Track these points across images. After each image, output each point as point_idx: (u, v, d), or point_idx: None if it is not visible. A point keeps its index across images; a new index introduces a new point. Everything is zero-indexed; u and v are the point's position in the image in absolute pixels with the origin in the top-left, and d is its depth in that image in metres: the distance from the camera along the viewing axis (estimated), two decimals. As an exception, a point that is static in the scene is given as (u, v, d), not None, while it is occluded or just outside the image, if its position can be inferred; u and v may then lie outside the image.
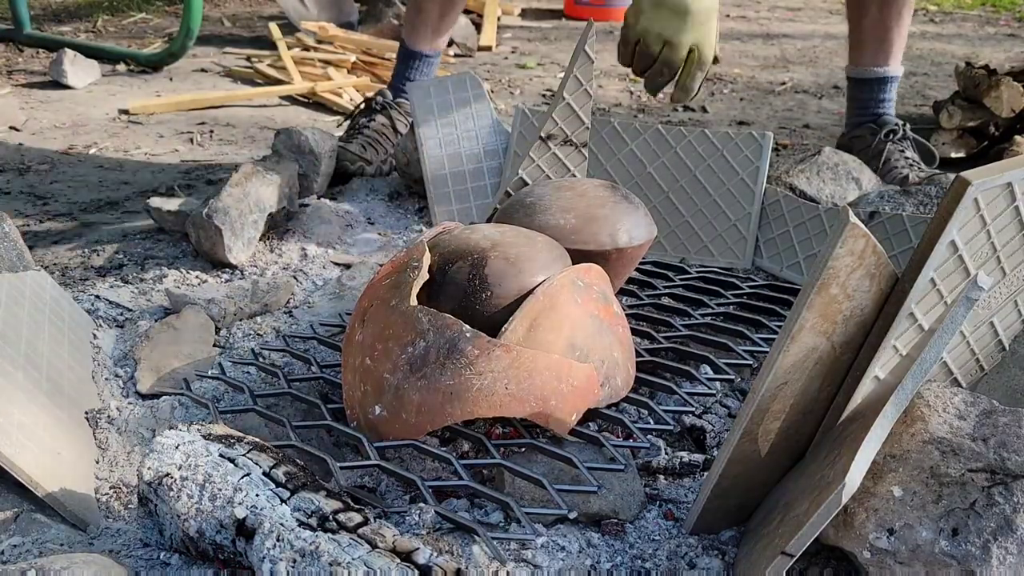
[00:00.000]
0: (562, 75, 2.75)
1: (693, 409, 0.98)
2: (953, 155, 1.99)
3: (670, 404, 1.01)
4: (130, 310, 1.25)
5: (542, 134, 1.23)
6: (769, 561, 0.68)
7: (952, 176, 1.40)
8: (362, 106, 1.87)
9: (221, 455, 0.79)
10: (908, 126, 1.78)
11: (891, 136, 1.75)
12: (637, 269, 1.28)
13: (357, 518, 0.72)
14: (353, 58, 2.60)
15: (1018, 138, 1.91)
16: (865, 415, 0.71)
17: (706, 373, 1.04)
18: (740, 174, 1.41)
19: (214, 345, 1.17)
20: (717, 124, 2.29)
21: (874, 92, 1.80)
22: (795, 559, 0.66)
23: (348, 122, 1.88)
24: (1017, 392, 0.89)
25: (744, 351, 1.08)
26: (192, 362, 1.11)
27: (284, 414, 0.95)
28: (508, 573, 0.74)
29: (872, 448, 0.67)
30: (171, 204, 1.49)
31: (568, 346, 0.87)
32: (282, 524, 0.71)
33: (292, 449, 0.89)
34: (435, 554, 0.68)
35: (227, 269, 1.38)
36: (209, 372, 1.08)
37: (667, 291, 1.26)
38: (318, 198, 1.63)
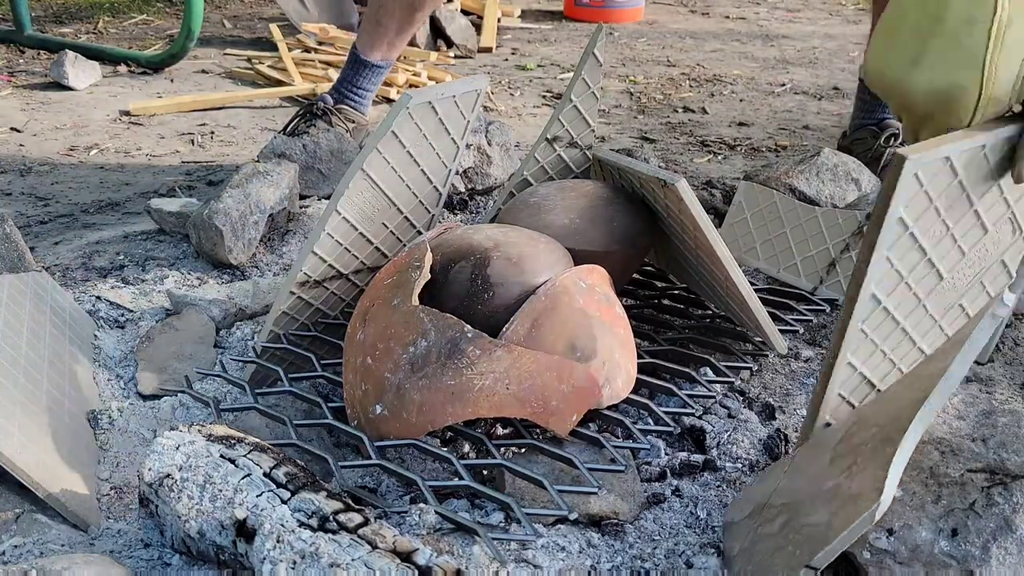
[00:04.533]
0: (563, 76, 2.76)
1: (693, 411, 0.98)
2: (953, 156, 1.99)
3: (671, 405, 1.01)
4: (131, 311, 1.25)
5: (548, 136, 1.23)
6: (789, 571, 0.67)
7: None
8: (302, 111, 1.85)
9: (222, 456, 0.79)
10: None
11: (892, 140, 1.75)
12: (638, 270, 1.28)
13: (357, 519, 0.72)
14: (353, 59, 2.60)
15: (1018, 139, 1.91)
16: (884, 427, 0.71)
17: (706, 375, 1.04)
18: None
19: (215, 346, 1.17)
20: (716, 125, 2.29)
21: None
22: (819, 572, 0.66)
23: (288, 126, 1.85)
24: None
25: (743, 353, 1.08)
26: (193, 362, 1.12)
27: (285, 413, 0.95)
28: (508, 573, 0.74)
29: (901, 464, 0.66)
30: (172, 205, 1.50)
31: (569, 347, 0.88)
32: (282, 525, 0.71)
33: (293, 448, 0.89)
34: (435, 554, 0.68)
35: (228, 270, 1.38)
36: (210, 370, 1.08)
37: (667, 292, 1.26)
38: (319, 199, 1.63)
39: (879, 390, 0.85)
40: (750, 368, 1.07)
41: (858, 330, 0.78)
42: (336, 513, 0.72)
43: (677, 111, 2.42)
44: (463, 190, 1.66)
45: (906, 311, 0.82)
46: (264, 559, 0.70)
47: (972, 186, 0.77)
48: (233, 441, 0.82)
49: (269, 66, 2.61)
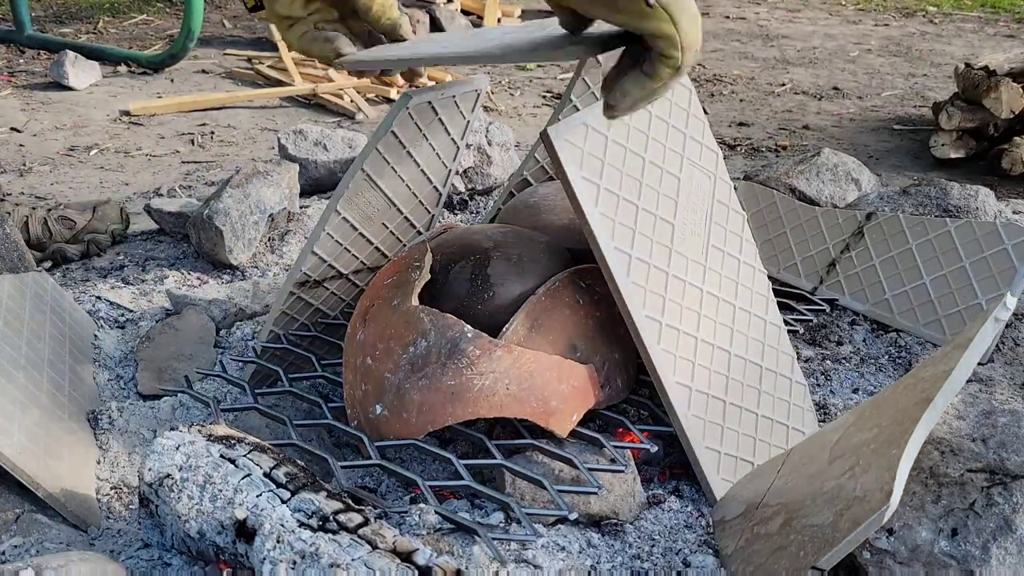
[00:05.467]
0: (563, 77, 2.75)
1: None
2: (952, 156, 1.99)
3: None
4: (131, 311, 1.25)
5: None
6: (794, 572, 0.67)
7: (949, 182, 1.41)
8: None
9: (222, 456, 0.79)
10: None
11: None
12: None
13: (358, 519, 0.72)
14: (353, 59, 2.61)
15: (1017, 139, 1.91)
16: (886, 428, 0.71)
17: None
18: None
19: (215, 346, 1.17)
20: (716, 125, 2.29)
21: None
22: (824, 573, 0.66)
23: None
24: None
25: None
26: (193, 362, 1.12)
27: (285, 413, 0.95)
28: (508, 573, 0.74)
29: (908, 466, 0.67)
30: (172, 205, 1.49)
31: (569, 347, 0.88)
32: (282, 525, 0.71)
33: (293, 448, 0.89)
34: (435, 555, 0.68)
35: (228, 270, 1.38)
36: (210, 370, 1.08)
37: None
38: (319, 199, 1.63)
39: (690, 334, 0.91)
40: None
41: (629, 284, 0.85)
42: (336, 513, 0.72)
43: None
44: (463, 190, 1.66)
45: (662, 259, 0.89)
46: (264, 559, 0.70)
47: (627, 140, 0.88)
48: (233, 441, 0.82)
49: (269, 66, 2.61)
